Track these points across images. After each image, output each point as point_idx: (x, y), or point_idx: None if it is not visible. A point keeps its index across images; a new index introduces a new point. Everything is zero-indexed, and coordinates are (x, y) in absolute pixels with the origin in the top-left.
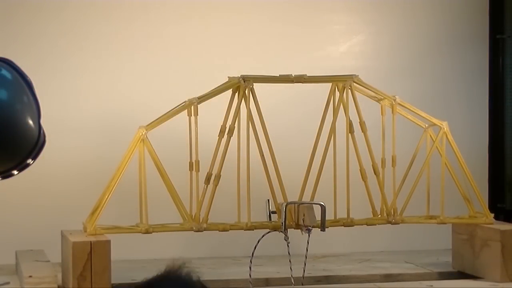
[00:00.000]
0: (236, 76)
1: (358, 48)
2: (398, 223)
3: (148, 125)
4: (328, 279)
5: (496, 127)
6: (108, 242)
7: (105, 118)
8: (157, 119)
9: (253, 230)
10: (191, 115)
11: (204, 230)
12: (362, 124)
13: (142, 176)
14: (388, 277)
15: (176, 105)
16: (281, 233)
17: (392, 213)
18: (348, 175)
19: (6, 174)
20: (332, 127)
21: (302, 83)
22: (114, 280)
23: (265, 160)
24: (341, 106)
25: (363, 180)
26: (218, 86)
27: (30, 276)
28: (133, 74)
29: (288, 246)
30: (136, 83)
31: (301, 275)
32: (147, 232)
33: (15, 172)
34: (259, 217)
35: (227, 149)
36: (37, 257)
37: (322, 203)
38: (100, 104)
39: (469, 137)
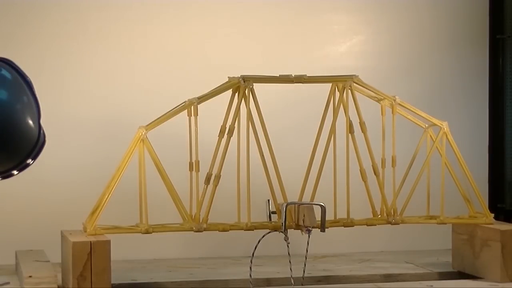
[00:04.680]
0: (236, 76)
1: (358, 48)
2: (398, 223)
3: (148, 125)
4: (328, 279)
5: (496, 127)
6: (108, 242)
7: (105, 118)
8: (157, 119)
9: (253, 230)
10: (191, 115)
11: (204, 230)
12: (362, 124)
13: (142, 176)
14: (388, 277)
15: (176, 105)
16: (281, 233)
17: (392, 214)
18: (348, 175)
19: (6, 174)
20: (332, 127)
21: (302, 83)
22: (114, 280)
23: (265, 160)
24: (341, 106)
25: (363, 180)
26: (218, 86)
27: (30, 276)
28: (133, 74)
29: (288, 246)
30: (136, 83)
31: (301, 275)
32: (147, 232)
33: (15, 172)
34: (259, 217)
35: (227, 149)
36: (37, 257)
37: (322, 204)
38: (100, 104)
39: (469, 137)
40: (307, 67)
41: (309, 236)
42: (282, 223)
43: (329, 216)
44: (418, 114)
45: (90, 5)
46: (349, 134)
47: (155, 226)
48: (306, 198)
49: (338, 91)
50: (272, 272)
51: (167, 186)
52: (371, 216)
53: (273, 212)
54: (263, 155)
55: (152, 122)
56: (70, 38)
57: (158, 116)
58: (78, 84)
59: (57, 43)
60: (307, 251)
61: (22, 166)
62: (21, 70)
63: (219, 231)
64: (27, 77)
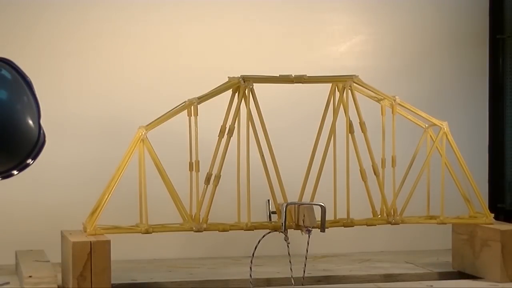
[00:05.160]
0: (236, 76)
1: (358, 48)
2: (398, 223)
3: (148, 125)
4: (328, 279)
5: (496, 127)
6: (108, 242)
7: (105, 118)
8: (157, 119)
9: (253, 230)
10: (191, 115)
11: (204, 230)
12: (362, 124)
13: (142, 176)
14: (388, 277)
15: (176, 105)
16: (281, 233)
17: (392, 214)
18: (348, 176)
19: (6, 174)
20: (332, 127)
21: (302, 83)
22: (114, 280)
23: (265, 160)
24: (341, 106)
25: (363, 180)
26: (218, 86)
27: (30, 276)
28: (133, 74)
29: (288, 246)
30: (136, 83)
31: (301, 275)
32: (147, 232)
33: (15, 172)
34: (259, 217)
35: (227, 149)
36: (37, 257)
37: (322, 204)
38: (100, 104)
39: (469, 137)
40: (307, 67)
41: (309, 236)
42: (282, 223)
43: (329, 216)
44: (418, 114)
45: (89, 4)
46: (349, 134)
47: (155, 226)
48: (306, 198)
49: (338, 91)
50: (272, 272)
51: (167, 186)
52: (371, 216)
53: (273, 212)
54: (263, 155)
55: (152, 122)
56: (70, 38)
57: (158, 116)
58: (78, 84)
59: (56, 43)
60: (307, 251)
61: (22, 166)
62: (21, 70)
63: (219, 231)
64: (27, 77)
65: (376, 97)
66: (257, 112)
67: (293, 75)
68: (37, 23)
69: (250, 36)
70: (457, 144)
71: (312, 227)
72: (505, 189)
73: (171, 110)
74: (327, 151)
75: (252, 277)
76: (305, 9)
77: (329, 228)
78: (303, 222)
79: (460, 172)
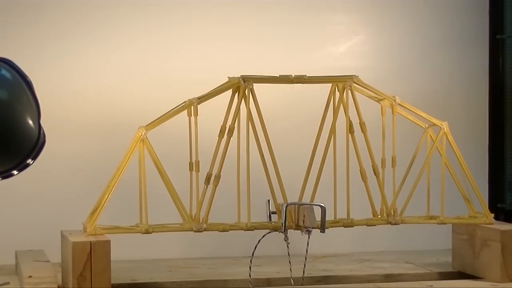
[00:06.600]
0: (236, 76)
1: (358, 48)
2: (398, 224)
3: (148, 125)
4: (328, 279)
5: (496, 127)
6: (108, 242)
7: (105, 118)
8: (157, 119)
9: (253, 230)
10: (191, 115)
11: (204, 230)
12: (362, 124)
13: (142, 176)
14: (388, 277)
15: (176, 105)
16: (281, 233)
17: (392, 214)
18: (348, 176)
19: (6, 174)
20: (332, 127)
21: (302, 83)
22: (114, 280)
23: (265, 160)
24: (341, 106)
25: (363, 180)
26: (218, 86)
27: (30, 276)
28: (133, 74)
29: (288, 246)
30: (136, 83)
31: (301, 275)
32: (147, 232)
33: (15, 172)
34: (259, 217)
35: (227, 149)
36: (37, 257)
37: (322, 205)
38: (100, 104)
39: (469, 137)
40: (307, 67)
41: (309, 237)
42: (282, 224)
43: (329, 216)
44: (418, 114)
45: (89, 4)
46: (349, 134)
47: (155, 226)
48: (306, 199)
49: (338, 91)
50: (272, 272)
51: (167, 186)
52: (371, 216)
53: (273, 212)
54: (263, 155)
55: (152, 122)
56: (69, 38)
57: (158, 116)
58: (78, 84)
59: (57, 43)
60: (307, 251)
61: (22, 166)
62: (21, 70)
63: (219, 231)
64: (27, 77)
65: (376, 97)
66: (257, 112)
67: (293, 75)
68: (37, 23)
69: (250, 36)
70: (457, 144)
71: (312, 227)
72: (505, 189)
73: (171, 110)
74: (327, 151)
75: (251, 277)
76: (304, 9)
77: (329, 228)
78: (303, 222)
79: (460, 172)
